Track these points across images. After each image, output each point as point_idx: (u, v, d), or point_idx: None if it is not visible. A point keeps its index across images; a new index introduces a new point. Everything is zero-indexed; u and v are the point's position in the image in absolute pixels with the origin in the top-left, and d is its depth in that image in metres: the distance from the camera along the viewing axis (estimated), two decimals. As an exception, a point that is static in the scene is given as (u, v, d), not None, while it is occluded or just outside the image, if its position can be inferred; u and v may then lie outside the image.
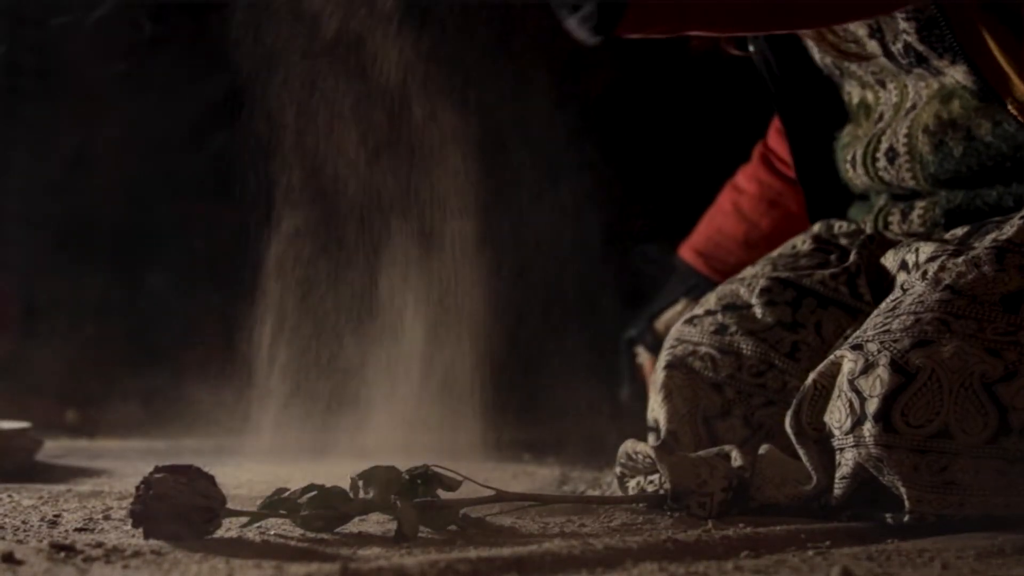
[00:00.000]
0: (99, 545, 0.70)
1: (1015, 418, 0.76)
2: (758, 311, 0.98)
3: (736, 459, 0.86)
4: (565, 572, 0.66)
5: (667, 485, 0.85)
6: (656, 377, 0.99)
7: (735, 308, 0.99)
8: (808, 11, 0.88)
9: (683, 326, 1.01)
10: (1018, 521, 0.76)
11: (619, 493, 0.94)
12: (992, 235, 0.86)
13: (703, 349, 0.98)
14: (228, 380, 1.29)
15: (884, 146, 0.99)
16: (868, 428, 0.78)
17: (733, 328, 0.98)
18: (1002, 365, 0.77)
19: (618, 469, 0.94)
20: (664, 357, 1.00)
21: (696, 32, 0.88)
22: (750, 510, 0.85)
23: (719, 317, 0.99)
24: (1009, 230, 0.86)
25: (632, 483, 0.92)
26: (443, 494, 0.79)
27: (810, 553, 0.72)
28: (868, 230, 1.02)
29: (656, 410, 0.97)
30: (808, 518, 0.83)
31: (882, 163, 0.99)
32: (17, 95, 2.07)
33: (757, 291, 0.98)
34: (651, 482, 0.90)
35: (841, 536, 0.77)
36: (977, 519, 0.76)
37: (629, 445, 0.93)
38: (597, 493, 1.03)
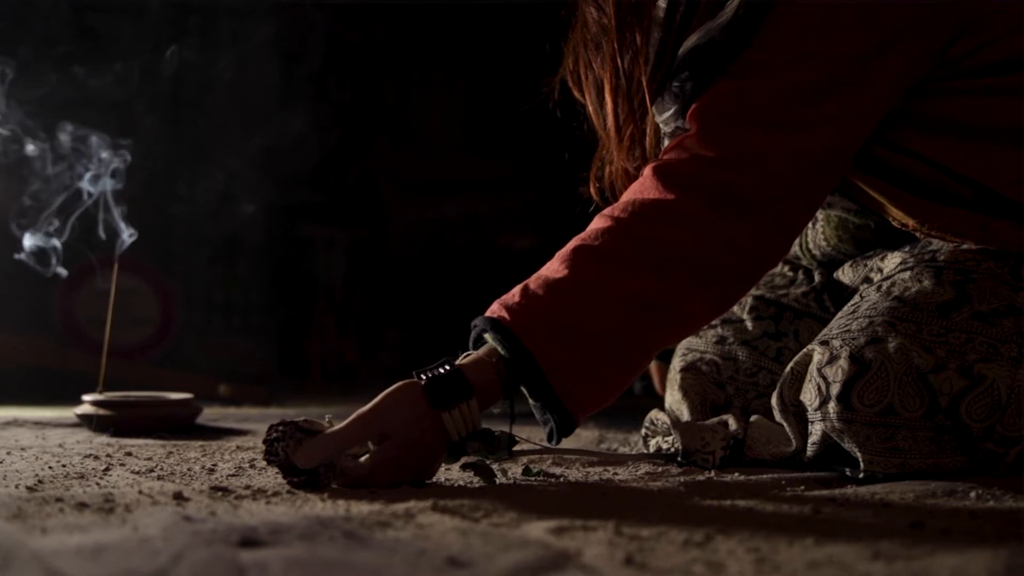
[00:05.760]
0: (247, 487, 0.78)
1: (942, 400, 0.84)
2: (749, 324, 1.08)
3: (732, 425, 0.96)
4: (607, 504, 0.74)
5: (677, 444, 0.95)
6: (673, 377, 1.09)
7: (731, 322, 1.09)
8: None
9: (691, 338, 1.10)
10: (945, 475, 0.84)
11: (643, 450, 1.03)
12: (931, 256, 0.92)
13: (708, 356, 1.08)
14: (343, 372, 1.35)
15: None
16: (832, 407, 0.86)
17: (731, 339, 1.07)
18: (933, 359, 0.84)
19: (643, 431, 1.04)
20: (678, 363, 1.09)
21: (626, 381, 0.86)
22: (743, 464, 0.94)
23: (719, 330, 1.09)
24: (944, 253, 0.92)
25: (653, 442, 1.02)
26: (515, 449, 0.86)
27: (788, 494, 0.80)
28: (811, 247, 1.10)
29: (677, 404, 1.06)
30: (788, 469, 0.91)
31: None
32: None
33: (747, 308, 1.09)
34: (667, 442, 1.00)
35: (812, 483, 0.85)
36: (914, 475, 0.85)
37: (653, 413, 1.03)
38: (627, 450, 1.10)
